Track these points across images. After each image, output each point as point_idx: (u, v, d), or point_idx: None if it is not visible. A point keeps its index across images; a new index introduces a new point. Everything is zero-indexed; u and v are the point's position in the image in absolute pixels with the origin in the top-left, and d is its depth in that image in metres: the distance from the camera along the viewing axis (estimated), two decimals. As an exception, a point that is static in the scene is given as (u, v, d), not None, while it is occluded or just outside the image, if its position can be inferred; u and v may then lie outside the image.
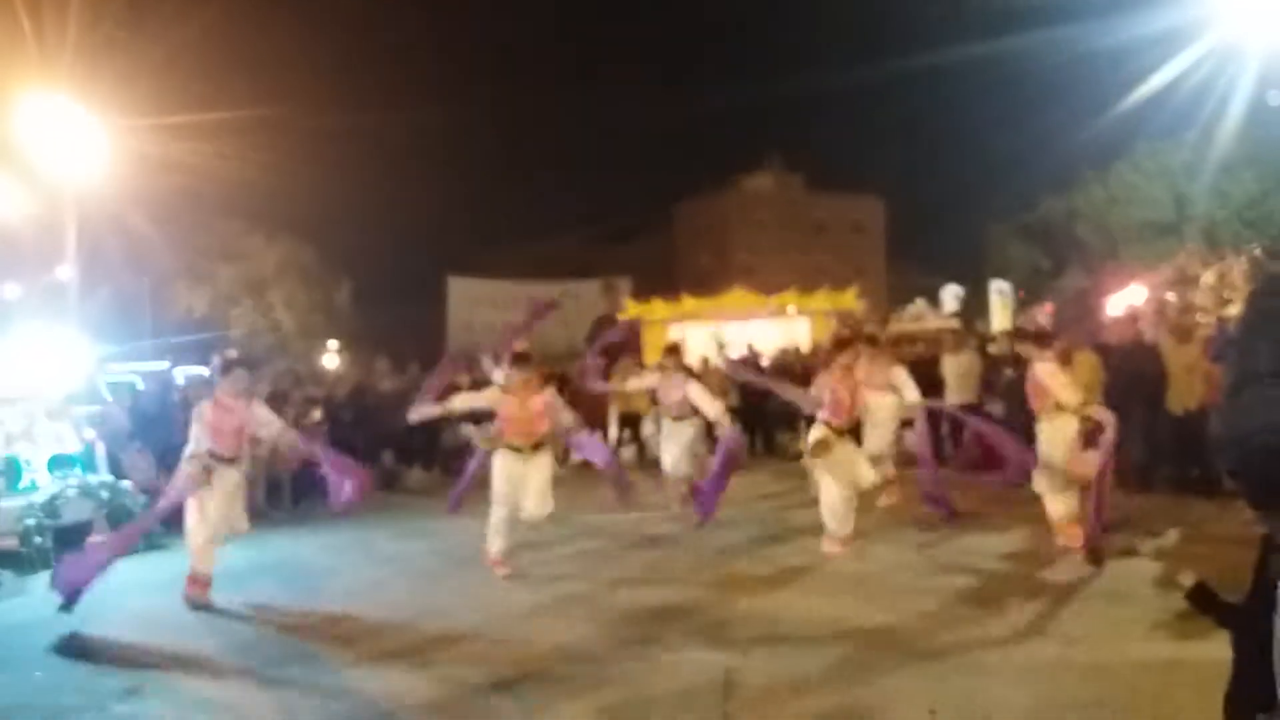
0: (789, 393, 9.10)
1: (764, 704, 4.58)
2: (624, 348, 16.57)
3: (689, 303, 24.54)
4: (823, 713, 4.44)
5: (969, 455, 12.03)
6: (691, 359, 18.05)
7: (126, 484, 9.72)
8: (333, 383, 14.71)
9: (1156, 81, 17.95)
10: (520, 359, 7.69)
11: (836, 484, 7.81)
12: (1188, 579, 2.57)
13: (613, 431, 15.30)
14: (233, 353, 9.75)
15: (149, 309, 31.76)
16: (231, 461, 7.26)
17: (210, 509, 7.07)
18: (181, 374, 15.61)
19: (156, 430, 11.02)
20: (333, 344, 37.11)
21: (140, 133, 17.43)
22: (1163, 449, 9.95)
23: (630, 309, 22.39)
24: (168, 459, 10.88)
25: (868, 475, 7.97)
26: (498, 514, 7.48)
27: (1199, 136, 26.50)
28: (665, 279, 40.85)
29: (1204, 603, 2.56)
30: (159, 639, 6.22)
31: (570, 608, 6.54)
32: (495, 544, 7.50)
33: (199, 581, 7.13)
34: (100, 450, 10.22)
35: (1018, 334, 12.51)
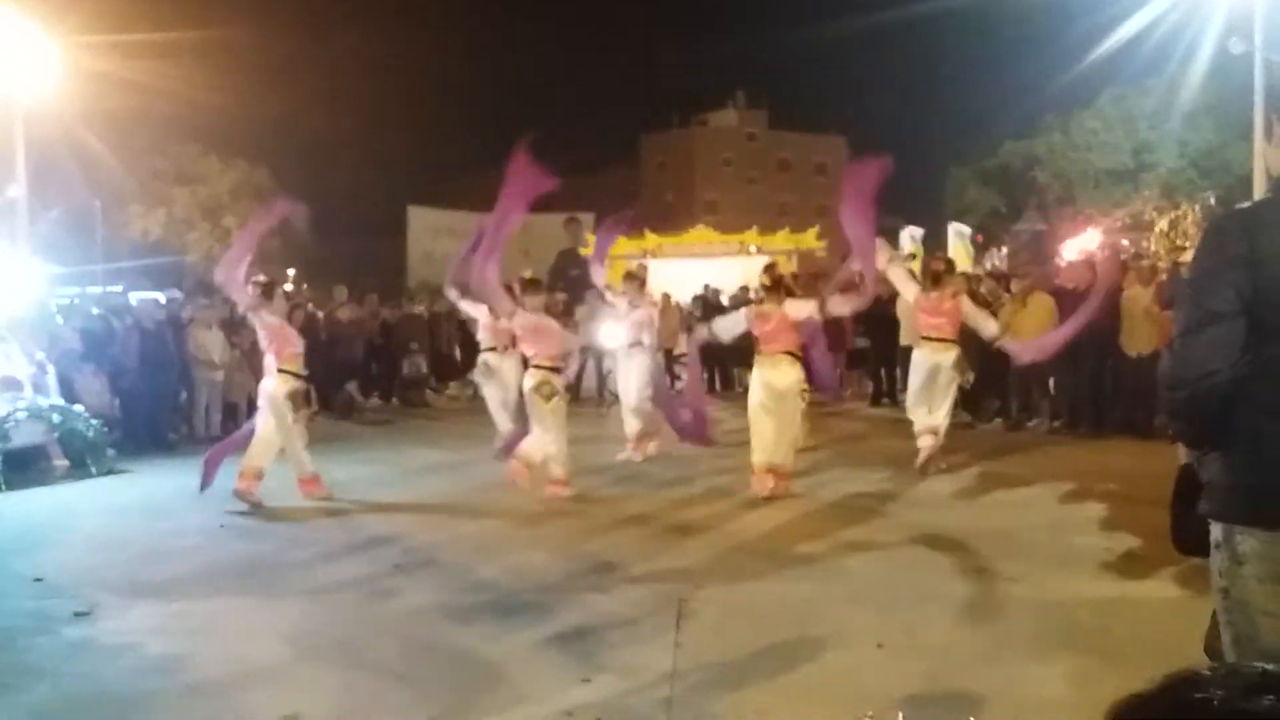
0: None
1: (714, 635, 4.67)
2: (587, 284, 16.55)
3: (652, 239, 24.48)
4: (772, 645, 4.52)
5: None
6: (654, 296, 18.14)
7: (79, 407, 9.63)
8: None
9: (1125, 30, 17.99)
10: (531, 285, 8.15)
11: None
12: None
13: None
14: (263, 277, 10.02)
15: (101, 231, 31.09)
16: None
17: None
18: (135, 298, 15.38)
19: (109, 353, 10.90)
20: (291, 272, 36.65)
21: (94, 50, 16.91)
22: (1114, 392, 10.18)
23: (592, 244, 22.27)
24: (120, 381, 10.84)
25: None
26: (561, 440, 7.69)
27: (1163, 85, 26.66)
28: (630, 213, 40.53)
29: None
30: (113, 563, 6.22)
31: (527, 537, 6.61)
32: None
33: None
34: (51, 372, 10.10)
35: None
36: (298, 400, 7.69)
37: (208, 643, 4.77)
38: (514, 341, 8.93)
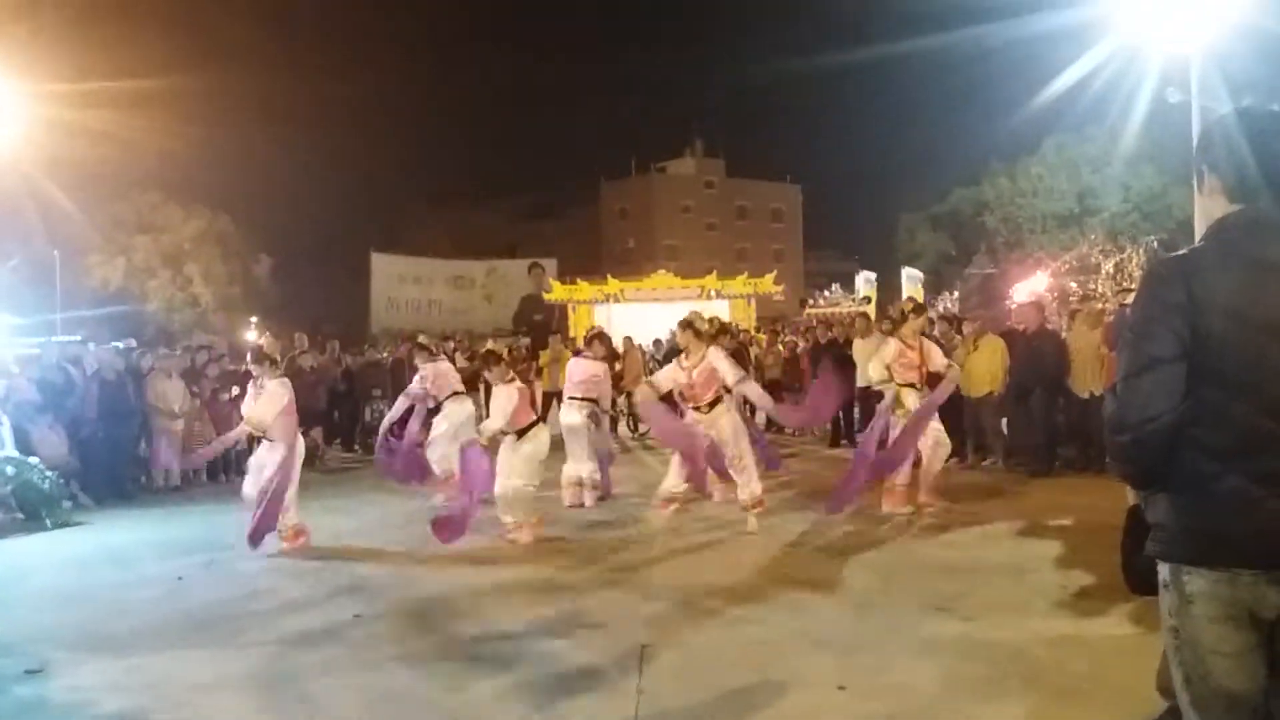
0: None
1: (677, 681, 4.66)
2: (550, 329, 16.64)
3: (614, 284, 24.70)
4: (734, 689, 4.53)
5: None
6: (616, 340, 18.26)
7: (34, 459, 9.52)
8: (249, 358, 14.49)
9: (1066, 79, 18.58)
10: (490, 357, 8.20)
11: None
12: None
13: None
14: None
15: (60, 281, 30.75)
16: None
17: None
18: (94, 348, 15.22)
19: (67, 404, 10.79)
20: (253, 320, 36.41)
21: (55, 98, 16.88)
22: (1063, 431, 10.39)
23: (556, 290, 22.43)
24: (78, 432, 10.73)
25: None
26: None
27: (1104, 133, 27.49)
28: (590, 258, 40.90)
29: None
30: (66, 618, 6.12)
31: (489, 585, 6.57)
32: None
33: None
34: (6, 424, 9.98)
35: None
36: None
37: (163, 699, 4.69)
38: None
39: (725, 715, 4.27)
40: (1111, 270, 18.62)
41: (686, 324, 8.23)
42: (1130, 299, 10.03)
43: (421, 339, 11.53)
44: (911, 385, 8.68)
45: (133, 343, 13.89)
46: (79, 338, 14.62)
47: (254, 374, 8.26)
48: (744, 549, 7.50)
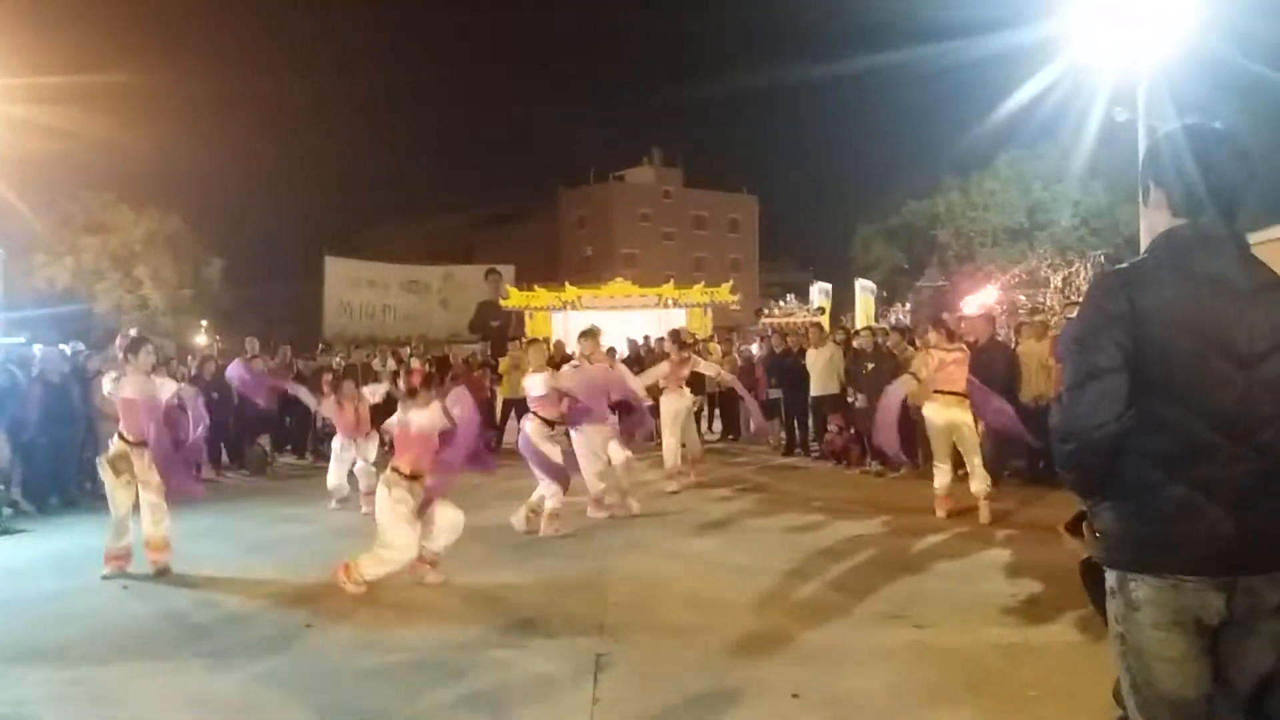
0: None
1: (632, 689, 4.67)
2: (507, 335, 16.59)
3: (571, 291, 24.68)
4: (691, 697, 4.55)
5: (832, 445, 12.56)
6: (572, 347, 18.25)
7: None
8: (200, 362, 14.28)
9: (1019, 97, 18.97)
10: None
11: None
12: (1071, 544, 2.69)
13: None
14: (134, 330, 9.85)
15: (3, 280, 30.04)
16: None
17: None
18: (39, 350, 14.90)
19: (9, 407, 10.54)
20: (203, 323, 35.89)
21: (4, 92, 16.52)
22: (1012, 440, 10.52)
23: (513, 296, 22.36)
24: (19, 436, 10.48)
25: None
26: None
27: (1056, 150, 28.05)
28: (548, 265, 40.86)
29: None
30: (6, 627, 6.00)
31: (442, 594, 6.53)
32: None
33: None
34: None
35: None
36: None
37: (107, 712, 4.61)
38: None
39: (680, 724, 4.27)
40: (1060, 284, 19.00)
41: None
42: (1074, 311, 10.22)
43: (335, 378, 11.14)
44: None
45: (80, 345, 13.58)
46: (23, 339, 14.31)
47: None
48: (699, 557, 7.53)
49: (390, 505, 6.50)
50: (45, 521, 9.69)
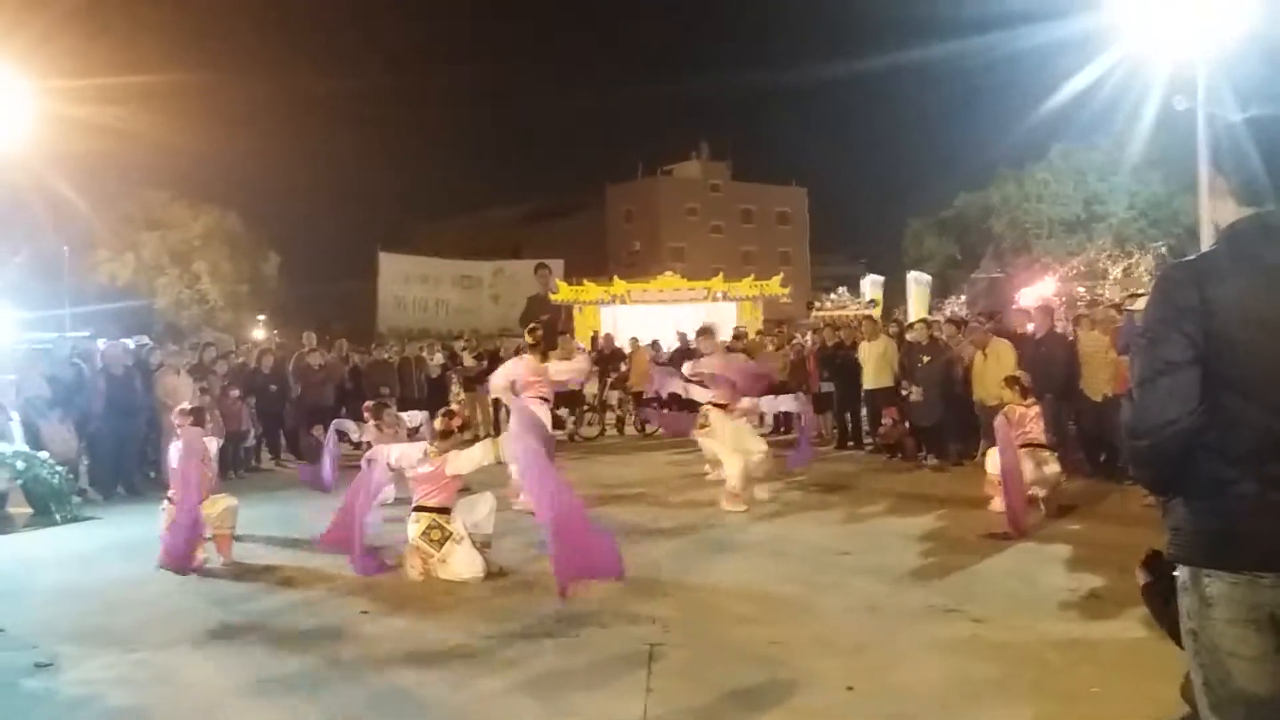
0: (690, 391, 10.07)
1: (685, 680, 4.65)
2: (557, 329, 16.63)
3: (620, 285, 24.72)
4: (743, 689, 4.52)
5: (886, 438, 12.45)
6: (621, 341, 18.29)
7: (44, 454, 9.55)
8: (257, 355, 14.53)
9: (1073, 87, 18.61)
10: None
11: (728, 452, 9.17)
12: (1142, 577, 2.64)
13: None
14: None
15: (69, 276, 30.87)
16: None
17: None
18: (103, 343, 15.29)
19: (76, 399, 10.82)
20: (261, 318, 36.56)
21: (64, 94, 16.91)
22: (1072, 435, 10.37)
23: (562, 290, 22.46)
24: (86, 427, 10.77)
25: (758, 445, 9.44)
26: None
27: (1110, 141, 27.48)
28: (597, 258, 40.99)
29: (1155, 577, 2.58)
30: (75, 612, 6.15)
31: (496, 584, 6.57)
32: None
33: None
34: (16, 419, 10.02)
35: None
36: None
37: (170, 693, 4.71)
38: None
39: (733, 715, 4.26)
40: (1120, 275, 18.59)
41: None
42: (1138, 303, 10.06)
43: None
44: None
45: (144, 339, 13.89)
46: (88, 333, 14.67)
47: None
48: (752, 549, 7.49)
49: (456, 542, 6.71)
50: (111, 510, 9.93)
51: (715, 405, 9.44)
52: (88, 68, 18.84)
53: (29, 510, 9.45)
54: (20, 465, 9.20)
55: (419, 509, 6.88)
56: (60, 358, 11.29)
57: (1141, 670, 4.38)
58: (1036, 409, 8.82)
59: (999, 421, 8.41)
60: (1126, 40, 14.58)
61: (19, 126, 14.96)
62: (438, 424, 7.38)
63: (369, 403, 10.46)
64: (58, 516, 9.26)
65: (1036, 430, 8.68)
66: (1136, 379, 2.26)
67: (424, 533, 6.74)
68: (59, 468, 9.51)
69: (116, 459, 11.06)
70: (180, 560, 7.01)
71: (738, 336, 11.57)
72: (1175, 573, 2.35)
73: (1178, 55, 13.85)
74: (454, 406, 7.88)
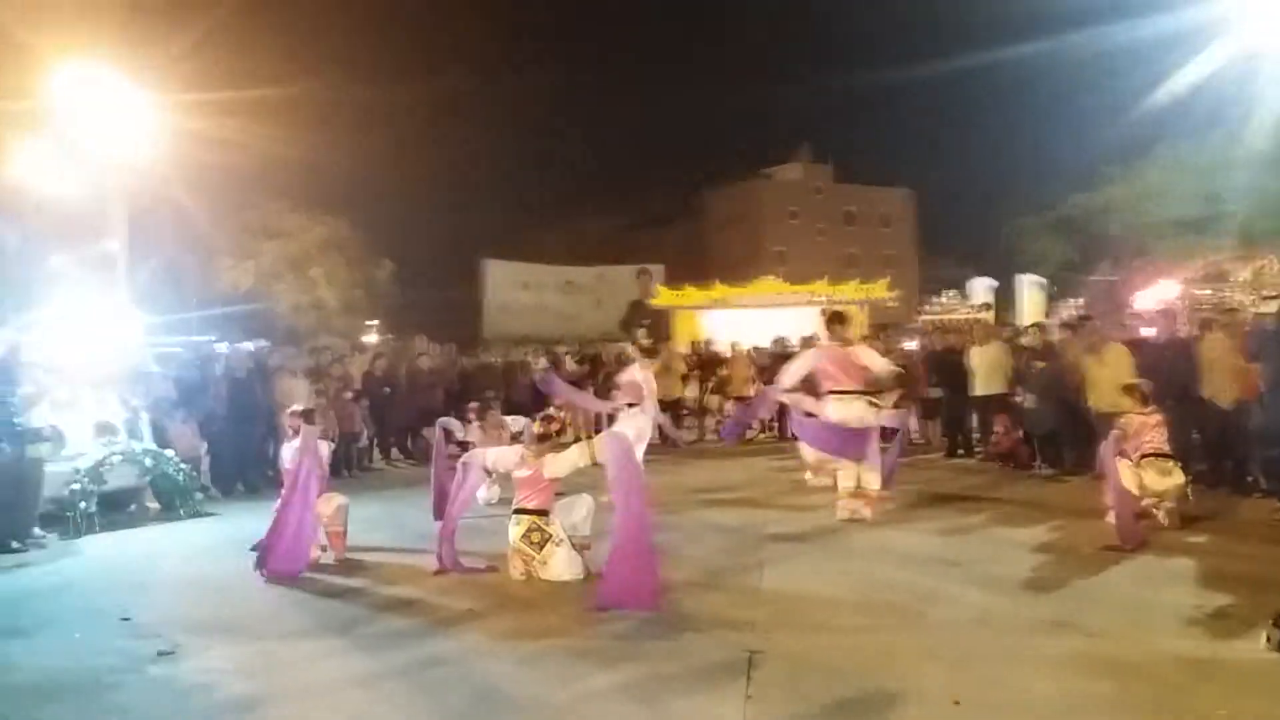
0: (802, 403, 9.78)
1: (786, 687, 4.62)
2: (659, 334, 16.69)
3: (720, 289, 24.62)
4: (844, 699, 4.46)
5: (998, 446, 12.09)
6: (721, 345, 18.22)
7: (170, 452, 10.01)
8: (371, 359, 14.96)
9: (1185, 78, 17.79)
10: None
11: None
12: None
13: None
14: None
15: (195, 283, 32.31)
16: None
17: None
18: (225, 347, 15.93)
19: (200, 400, 11.32)
20: (374, 323, 37.58)
21: (184, 108, 17.60)
22: (1195, 443, 9.88)
23: (663, 295, 22.49)
24: (209, 427, 11.24)
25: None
26: None
27: (1230, 133, 26.15)
28: (697, 265, 40.92)
29: None
30: (197, 603, 6.42)
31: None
32: None
33: None
34: (145, 419, 10.52)
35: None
36: None
37: (284, 683, 4.87)
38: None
39: (836, 724, 4.19)
40: (1249, 277, 17.66)
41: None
42: (1268, 307, 9.52)
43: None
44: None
45: (264, 343, 14.43)
46: (212, 338, 15.30)
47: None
48: (856, 557, 7.37)
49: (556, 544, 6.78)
50: (231, 506, 10.33)
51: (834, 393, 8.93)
52: (208, 82, 19.60)
53: (156, 505, 9.94)
54: (149, 463, 9.67)
55: (519, 511, 6.98)
56: (185, 360, 11.81)
57: (1271, 692, 4.15)
58: (1158, 417, 8.42)
59: (1112, 435, 8.11)
60: (1242, 29, 13.87)
61: (148, 141, 15.69)
62: (536, 428, 7.48)
63: (474, 403, 10.65)
64: (182, 512, 9.70)
65: (1159, 439, 8.30)
66: (1269, 382, 2.13)
67: (524, 535, 6.83)
68: (183, 465, 9.95)
69: (237, 458, 11.51)
70: (288, 564, 7.06)
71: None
72: None
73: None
74: (552, 411, 7.92)
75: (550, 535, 6.79)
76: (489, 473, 7.59)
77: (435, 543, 7.15)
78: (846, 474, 8.77)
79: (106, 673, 5.03)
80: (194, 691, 4.77)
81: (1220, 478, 9.66)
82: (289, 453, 7.78)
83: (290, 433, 7.97)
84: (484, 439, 9.97)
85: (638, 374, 10.59)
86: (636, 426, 9.88)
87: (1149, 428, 8.29)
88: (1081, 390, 10.57)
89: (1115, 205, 31.99)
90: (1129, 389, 8.67)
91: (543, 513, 6.91)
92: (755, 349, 17.24)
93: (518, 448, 7.42)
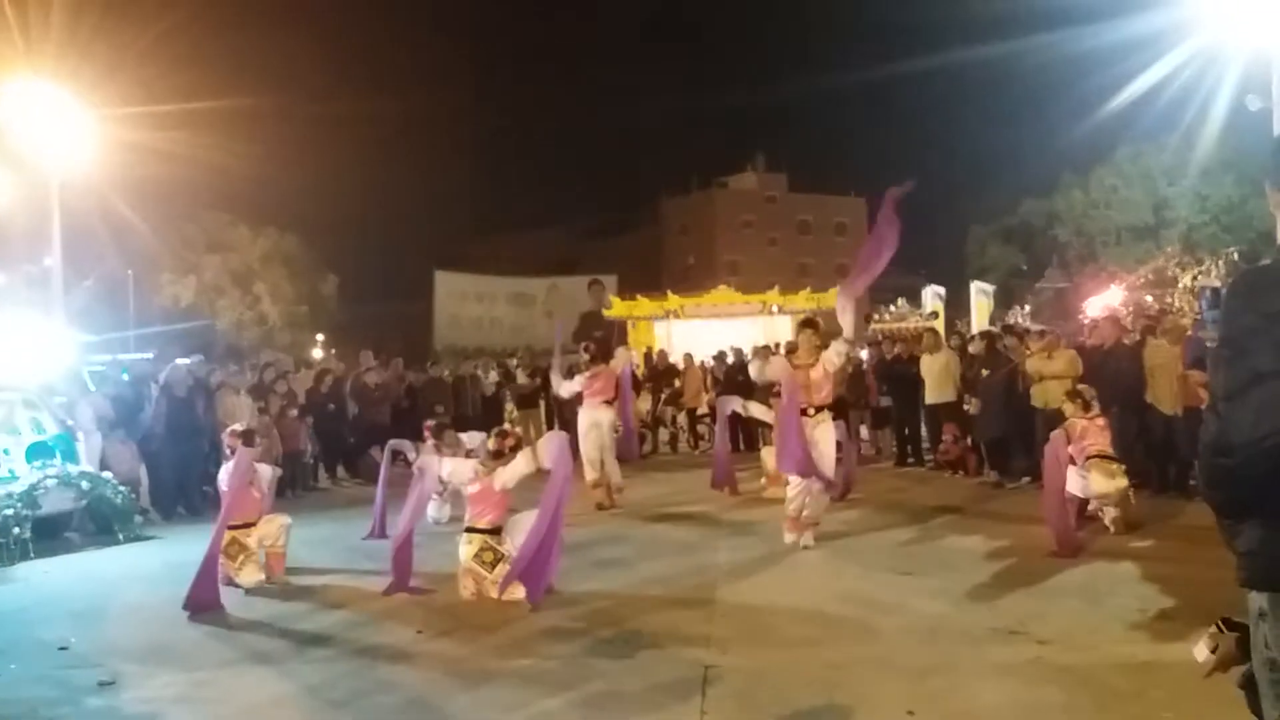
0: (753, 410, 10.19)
1: (740, 703, 4.59)
2: (612, 345, 16.62)
3: (674, 300, 24.66)
4: (800, 713, 4.44)
5: (947, 455, 12.20)
6: (675, 356, 18.21)
7: (108, 474, 9.73)
8: (316, 375, 14.72)
9: (1138, 86, 18.20)
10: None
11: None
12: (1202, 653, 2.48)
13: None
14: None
15: (133, 298, 31.69)
16: None
17: None
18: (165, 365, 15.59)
19: (139, 420, 11.03)
20: (319, 337, 37.17)
21: (125, 121, 17.32)
22: (1138, 449, 10.03)
23: (616, 306, 22.45)
24: (148, 447, 10.95)
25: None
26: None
27: (1180, 141, 26.78)
28: (651, 274, 41.05)
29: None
30: (137, 631, 6.24)
31: (550, 603, 6.52)
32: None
33: None
34: (81, 440, 10.22)
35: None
36: None
37: (229, 713, 4.75)
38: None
39: (791, 739, 4.17)
40: (1190, 283, 18.08)
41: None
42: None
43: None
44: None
45: (199, 357, 14.12)
46: (151, 355, 14.95)
47: None
48: (809, 569, 7.38)
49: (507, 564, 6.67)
50: (172, 530, 10.08)
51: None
52: (148, 94, 19.32)
53: (92, 530, 9.64)
54: (85, 485, 9.39)
55: (471, 530, 6.87)
56: (114, 379, 11.51)
57: (1215, 696, 4.16)
58: (1102, 420, 8.56)
59: (1055, 436, 8.18)
60: (1196, 37, 14.18)
61: (83, 154, 15.35)
62: (490, 444, 7.39)
63: (430, 422, 10.52)
64: (120, 536, 9.44)
65: (1103, 441, 8.41)
66: (1222, 393, 2.11)
67: (476, 555, 6.74)
68: (121, 488, 9.68)
69: (178, 479, 11.23)
70: (202, 600, 6.63)
71: (791, 350, 11.36)
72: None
73: (1250, 52, 13.44)
74: (507, 426, 7.86)
75: (503, 555, 6.70)
76: (443, 484, 7.47)
77: (384, 562, 7.01)
78: (795, 498, 8.15)
79: (44, 705, 4.87)
80: (134, 723, 4.61)
81: (1165, 483, 9.81)
82: (223, 474, 7.60)
83: (229, 452, 7.80)
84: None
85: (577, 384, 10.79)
86: (593, 418, 10.42)
87: (1093, 430, 8.39)
88: (1029, 396, 10.65)
89: (1066, 212, 32.61)
90: (1071, 394, 8.78)
91: (495, 531, 6.82)
92: (716, 358, 17.25)
93: (473, 461, 7.33)
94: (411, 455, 10.08)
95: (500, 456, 7.10)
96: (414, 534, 7.12)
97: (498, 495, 6.90)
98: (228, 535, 7.23)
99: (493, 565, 6.69)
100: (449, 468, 7.30)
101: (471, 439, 10.04)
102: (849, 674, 4.92)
